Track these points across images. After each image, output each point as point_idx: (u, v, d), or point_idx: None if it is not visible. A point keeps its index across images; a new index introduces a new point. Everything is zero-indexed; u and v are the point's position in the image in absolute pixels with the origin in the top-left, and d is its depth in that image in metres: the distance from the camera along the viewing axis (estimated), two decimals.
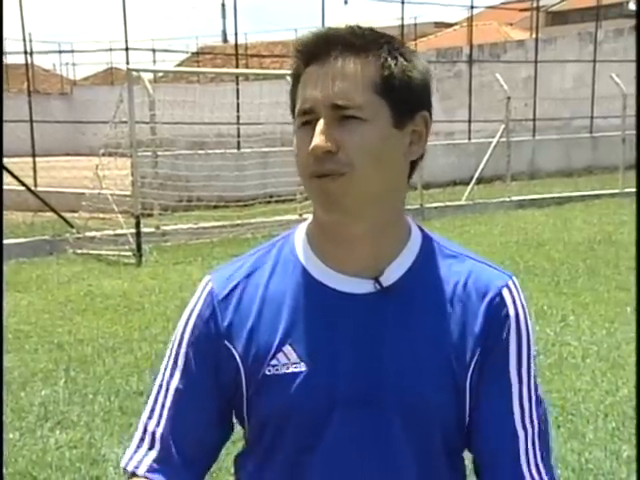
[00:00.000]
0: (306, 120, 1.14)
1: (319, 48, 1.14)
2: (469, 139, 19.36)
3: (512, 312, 1.18)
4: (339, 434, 1.15)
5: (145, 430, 1.23)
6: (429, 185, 14.59)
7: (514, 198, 14.04)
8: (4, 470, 3.88)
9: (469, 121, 19.99)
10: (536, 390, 1.21)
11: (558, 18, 35.16)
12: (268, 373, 1.17)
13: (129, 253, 9.52)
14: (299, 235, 1.25)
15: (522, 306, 1.20)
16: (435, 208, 13.02)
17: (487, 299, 1.18)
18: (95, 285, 8.11)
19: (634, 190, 13.08)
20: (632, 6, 29.51)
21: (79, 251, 9.84)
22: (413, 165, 1.22)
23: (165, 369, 1.26)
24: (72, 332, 6.31)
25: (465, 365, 1.15)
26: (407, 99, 1.16)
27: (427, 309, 1.17)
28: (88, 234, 10.17)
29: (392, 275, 1.18)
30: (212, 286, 1.26)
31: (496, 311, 1.18)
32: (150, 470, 1.20)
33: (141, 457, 1.22)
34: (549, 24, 33.69)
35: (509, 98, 14.37)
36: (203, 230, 11.00)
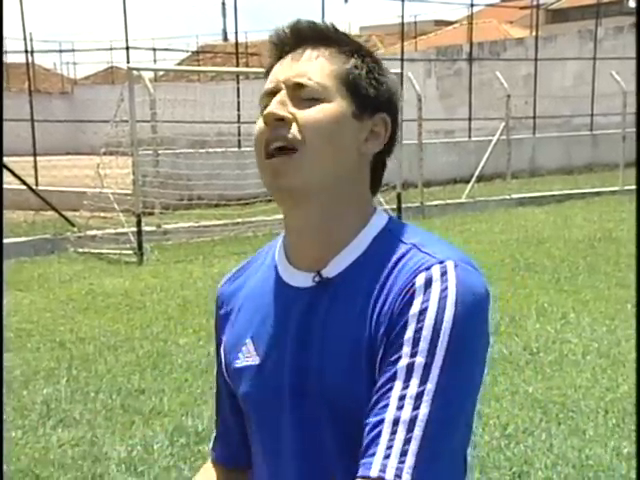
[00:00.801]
0: (267, 104, 1.16)
1: (292, 40, 1.18)
2: (469, 137, 19.36)
3: (421, 296, 1.09)
4: (291, 421, 1.19)
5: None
6: (429, 183, 14.62)
7: (514, 196, 14.04)
8: (4, 467, 3.89)
9: (469, 119, 19.98)
10: (439, 390, 1.06)
11: (558, 16, 35.11)
12: (235, 366, 1.25)
13: (130, 252, 9.53)
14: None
15: (442, 289, 1.08)
16: (435, 206, 13.04)
17: (402, 285, 1.11)
18: (96, 284, 8.12)
19: (634, 187, 13.19)
20: (632, 3, 29.47)
21: (80, 250, 9.85)
22: (377, 169, 1.23)
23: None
24: (74, 331, 6.32)
25: (375, 355, 1.11)
26: (368, 97, 1.17)
27: (356, 303, 1.15)
28: (89, 233, 10.17)
29: (335, 268, 1.18)
30: (222, 280, 1.37)
31: (403, 296, 1.10)
32: (212, 448, 1.43)
33: (213, 436, 1.45)
34: (549, 22, 33.65)
35: (509, 96, 14.37)
36: (204, 228, 11.01)
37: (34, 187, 12.42)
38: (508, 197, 13.92)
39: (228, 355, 1.28)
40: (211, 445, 1.43)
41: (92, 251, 9.75)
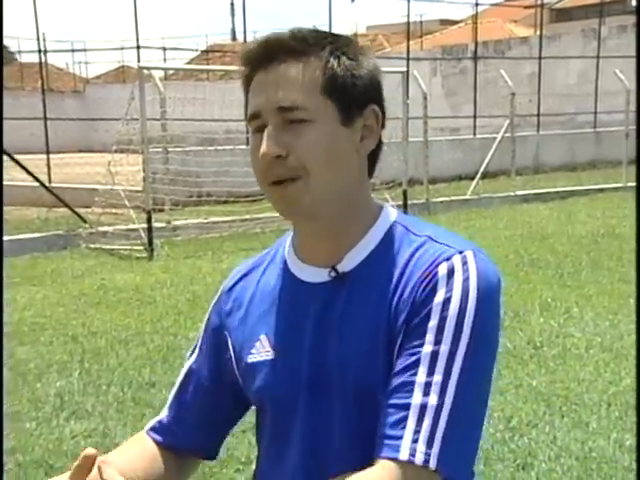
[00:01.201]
0: (256, 127, 1.16)
1: (262, 55, 1.15)
2: (474, 134, 19.31)
3: (443, 284, 1.10)
4: (303, 417, 1.19)
5: (170, 401, 1.40)
6: (435, 180, 14.59)
7: (519, 192, 13.99)
8: (20, 458, 3.91)
9: (474, 117, 19.93)
10: (463, 377, 1.08)
11: (562, 15, 34.95)
12: (249, 361, 1.24)
13: (141, 247, 9.56)
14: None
15: (464, 279, 1.10)
16: (441, 202, 13.01)
17: (424, 274, 1.12)
18: (108, 279, 8.14)
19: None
20: (635, 3, 29.35)
21: (92, 246, 9.88)
22: (372, 159, 1.22)
23: (192, 347, 1.39)
24: (86, 325, 6.34)
25: (394, 340, 1.12)
26: (353, 96, 1.16)
27: (374, 294, 1.16)
28: (101, 229, 10.21)
29: (349, 264, 1.18)
30: (229, 276, 1.36)
31: (425, 285, 1.11)
32: (151, 429, 1.38)
33: (154, 419, 1.39)
34: (553, 21, 33.51)
35: (514, 94, 14.33)
36: (213, 225, 11.03)
37: (47, 184, 12.45)
38: (512, 194, 13.87)
39: (239, 351, 1.27)
40: (151, 425, 1.38)
41: (103, 247, 9.78)
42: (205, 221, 11.19)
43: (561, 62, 22.48)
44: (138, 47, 17.74)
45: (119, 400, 4.63)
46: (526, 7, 29.43)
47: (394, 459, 1.06)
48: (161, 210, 10.94)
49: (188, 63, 30.66)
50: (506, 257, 8.46)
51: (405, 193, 11.96)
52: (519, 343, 5.51)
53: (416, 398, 1.07)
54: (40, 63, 20.41)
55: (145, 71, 10.35)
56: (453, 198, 13.46)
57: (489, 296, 1.12)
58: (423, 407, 1.06)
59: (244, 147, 15.09)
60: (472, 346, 1.09)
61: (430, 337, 1.09)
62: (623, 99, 15.85)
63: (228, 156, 13.39)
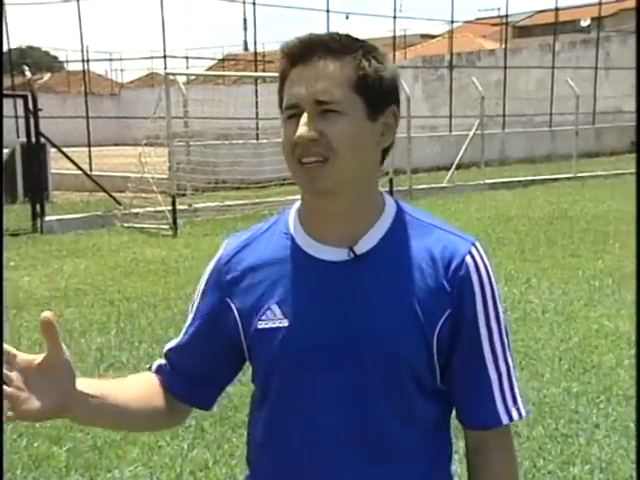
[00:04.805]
0: (291, 114, 1.11)
1: (303, 51, 1.11)
2: (450, 131, 19.22)
3: (475, 275, 1.13)
4: (316, 381, 1.13)
5: (167, 351, 1.38)
6: (417, 170, 14.54)
7: (487, 181, 13.96)
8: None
9: (450, 116, 19.85)
10: (507, 336, 1.19)
11: (523, 32, 34.68)
12: (259, 327, 1.16)
13: (166, 226, 9.53)
14: (293, 211, 1.23)
15: (484, 267, 1.15)
16: (421, 189, 12.98)
17: (453, 265, 1.12)
18: (139, 253, 8.12)
19: (586, 175, 13.19)
20: (583, 23, 29.34)
21: (126, 224, 9.85)
22: (384, 152, 1.19)
23: (189, 314, 1.32)
24: (121, 291, 6.33)
25: (433, 321, 1.11)
26: (379, 95, 1.12)
27: (397, 273, 1.13)
28: (133, 210, 10.17)
29: (365, 245, 1.14)
30: (222, 249, 1.26)
31: (462, 276, 1.12)
32: (157, 371, 1.34)
33: (156, 363, 1.36)
34: (516, 36, 33.22)
35: (483, 98, 14.26)
36: (228, 207, 11.00)
37: (89, 172, 12.39)
38: (482, 182, 13.84)
39: (247, 318, 1.17)
40: (156, 367, 1.35)
41: (135, 225, 9.75)
42: (221, 204, 11.14)
43: (522, 71, 22.43)
44: (165, 56, 17.60)
45: (149, 355, 4.63)
46: (493, 25, 29.29)
47: (500, 425, 1.15)
48: (184, 195, 10.91)
49: (207, 70, 30.41)
50: (476, 236, 8.40)
51: (391, 181, 11.93)
52: None
53: (492, 372, 1.15)
54: (83, 71, 20.31)
55: (171, 77, 10.29)
56: (432, 186, 13.40)
57: (494, 275, 1.18)
58: (500, 376, 1.16)
59: (254, 141, 15.05)
60: (502, 315, 1.17)
61: (481, 318, 1.14)
62: (573, 103, 15.80)
63: (240, 149, 13.36)
